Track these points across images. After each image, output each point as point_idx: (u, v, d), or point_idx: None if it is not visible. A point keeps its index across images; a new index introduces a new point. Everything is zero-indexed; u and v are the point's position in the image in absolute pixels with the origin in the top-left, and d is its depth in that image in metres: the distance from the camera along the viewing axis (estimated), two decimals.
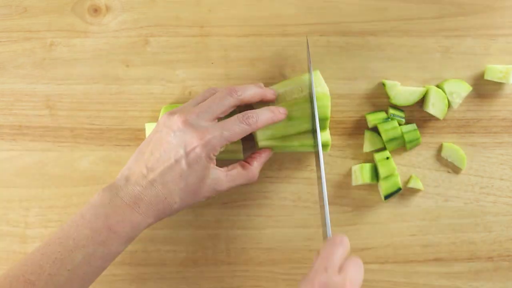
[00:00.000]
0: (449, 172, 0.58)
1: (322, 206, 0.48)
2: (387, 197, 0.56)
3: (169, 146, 0.46)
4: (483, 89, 0.58)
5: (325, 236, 0.48)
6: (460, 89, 0.57)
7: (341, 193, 0.58)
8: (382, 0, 0.58)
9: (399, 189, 0.56)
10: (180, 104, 0.54)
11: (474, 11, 0.58)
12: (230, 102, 0.48)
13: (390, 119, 0.56)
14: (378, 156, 0.56)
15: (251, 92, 0.50)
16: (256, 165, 0.52)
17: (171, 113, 0.47)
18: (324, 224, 0.48)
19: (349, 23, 0.58)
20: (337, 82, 0.58)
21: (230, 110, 0.49)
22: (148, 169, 0.46)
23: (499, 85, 0.58)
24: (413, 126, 0.57)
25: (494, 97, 0.58)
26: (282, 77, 0.58)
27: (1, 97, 0.58)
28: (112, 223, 0.44)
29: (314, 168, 0.58)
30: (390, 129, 0.56)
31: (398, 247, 0.58)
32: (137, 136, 0.57)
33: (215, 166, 0.48)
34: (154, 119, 0.57)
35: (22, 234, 0.57)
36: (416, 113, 0.58)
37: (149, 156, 0.47)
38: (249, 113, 0.48)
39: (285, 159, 0.58)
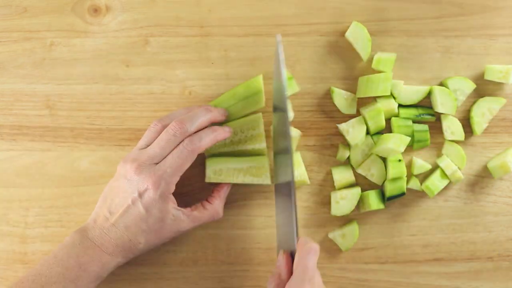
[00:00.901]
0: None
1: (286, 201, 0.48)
2: (389, 198, 0.56)
3: (125, 194, 0.49)
4: (483, 89, 0.58)
5: (289, 236, 0.47)
6: (464, 87, 0.57)
7: None
8: (382, 0, 0.58)
9: (403, 193, 0.56)
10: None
11: (474, 11, 0.58)
12: (177, 140, 0.49)
13: (420, 116, 0.56)
14: (390, 157, 0.55)
15: (199, 122, 0.51)
16: (217, 202, 0.53)
17: (125, 161, 0.50)
18: (286, 223, 0.48)
19: (349, 23, 0.58)
20: (337, 82, 0.58)
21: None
22: (110, 213, 0.49)
23: (499, 85, 0.58)
24: (424, 126, 0.57)
25: (493, 97, 0.58)
26: None
27: (1, 97, 0.58)
28: (82, 262, 0.48)
29: (314, 168, 0.58)
30: (403, 126, 0.56)
31: (398, 247, 0.58)
32: (137, 136, 0.57)
33: (176, 207, 0.50)
34: (155, 119, 0.57)
35: (22, 234, 0.57)
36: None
37: (110, 202, 0.50)
38: (192, 137, 0.49)
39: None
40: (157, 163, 0.49)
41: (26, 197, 0.57)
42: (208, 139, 0.50)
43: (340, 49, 0.58)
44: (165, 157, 0.49)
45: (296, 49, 0.58)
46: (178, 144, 0.49)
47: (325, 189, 0.57)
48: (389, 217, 0.58)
